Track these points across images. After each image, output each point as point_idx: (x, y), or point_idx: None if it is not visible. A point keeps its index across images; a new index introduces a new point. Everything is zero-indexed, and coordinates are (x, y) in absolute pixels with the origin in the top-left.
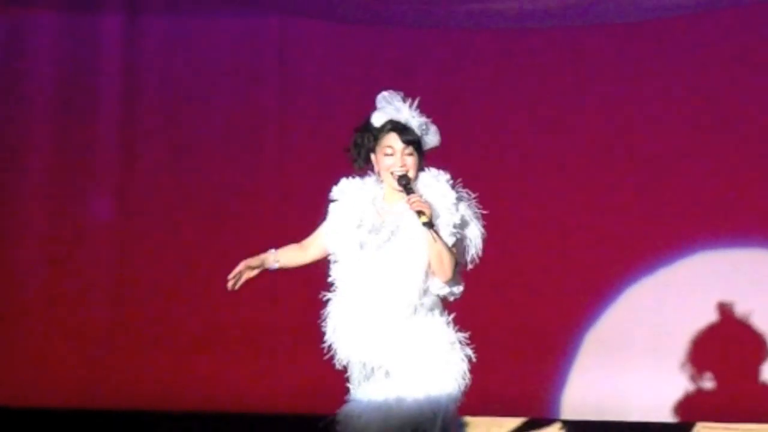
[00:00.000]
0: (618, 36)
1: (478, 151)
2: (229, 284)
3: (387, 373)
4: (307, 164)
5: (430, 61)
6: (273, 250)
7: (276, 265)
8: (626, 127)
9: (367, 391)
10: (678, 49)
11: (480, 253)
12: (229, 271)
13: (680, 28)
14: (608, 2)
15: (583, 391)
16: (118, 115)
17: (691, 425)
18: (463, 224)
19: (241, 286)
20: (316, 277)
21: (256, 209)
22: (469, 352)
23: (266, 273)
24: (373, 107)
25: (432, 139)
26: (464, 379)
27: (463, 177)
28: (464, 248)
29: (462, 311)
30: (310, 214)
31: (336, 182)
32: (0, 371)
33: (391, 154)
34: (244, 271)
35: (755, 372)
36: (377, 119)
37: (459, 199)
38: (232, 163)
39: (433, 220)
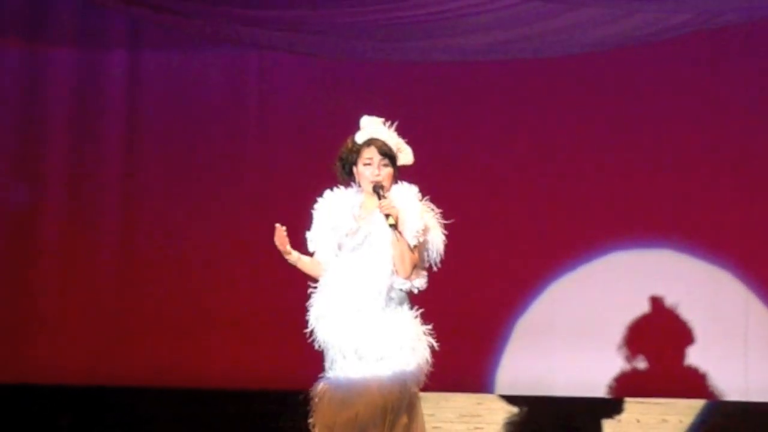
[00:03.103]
0: (552, 68)
1: (426, 165)
2: (279, 229)
3: (360, 356)
4: (284, 178)
5: (388, 90)
6: (299, 253)
7: (293, 262)
8: (553, 146)
9: (343, 370)
10: (603, 79)
11: (442, 256)
12: (219, 265)
13: (608, 60)
14: (544, 38)
15: (515, 370)
16: (122, 134)
17: (608, 400)
18: (425, 231)
19: (235, 277)
20: (297, 271)
21: (240, 213)
22: (432, 341)
23: (256, 268)
24: (341, 131)
25: (405, 157)
26: (426, 364)
27: (417, 183)
28: (427, 252)
29: (417, 302)
30: (287, 219)
31: (310, 192)
32: (18, 352)
33: (370, 164)
34: (285, 238)
35: (663, 354)
36: (360, 137)
37: (423, 209)
38: (220, 175)
39: (400, 224)
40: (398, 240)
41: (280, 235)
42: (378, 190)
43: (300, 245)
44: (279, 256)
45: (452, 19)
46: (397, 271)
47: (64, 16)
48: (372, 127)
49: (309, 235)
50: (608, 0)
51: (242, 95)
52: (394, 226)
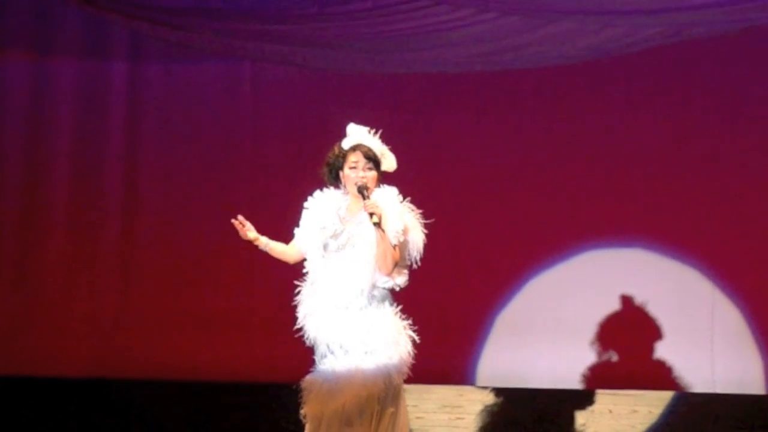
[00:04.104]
0: (530, 78)
1: (411, 168)
2: (237, 220)
3: (346, 351)
4: (275, 182)
5: (373, 99)
6: (267, 239)
7: (264, 248)
8: (530, 152)
9: (331, 364)
10: (578, 88)
11: (422, 254)
12: (214, 265)
13: (583, 71)
14: (522, 50)
15: (494, 364)
16: (123, 140)
17: (582, 391)
18: (405, 231)
19: (229, 277)
20: (287, 271)
21: (235, 215)
22: (413, 335)
23: (253, 268)
24: (329, 137)
25: (389, 163)
26: (408, 357)
27: (401, 185)
28: (408, 251)
29: (400, 299)
30: (278, 219)
31: (300, 194)
32: (23, 346)
33: (355, 167)
34: (245, 229)
35: (634, 348)
36: (346, 143)
37: (403, 210)
38: (215, 178)
39: (383, 223)
40: (382, 238)
41: (240, 227)
42: (363, 191)
43: (288, 241)
44: (268, 256)
45: (435, 32)
46: (379, 268)
47: (69, 30)
48: (358, 134)
49: (297, 231)
50: (581, 14)
51: (236, 104)
52: (378, 225)
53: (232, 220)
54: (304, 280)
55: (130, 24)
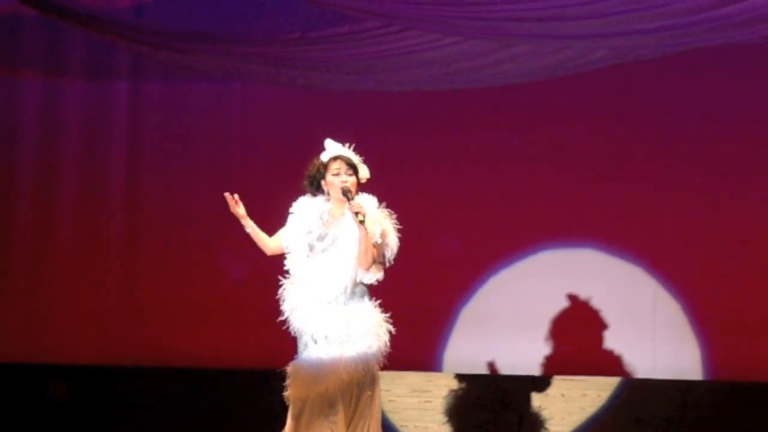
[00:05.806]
0: (492, 95)
1: (386, 175)
2: (229, 196)
3: (329, 341)
4: (263, 189)
5: (353, 115)
6: (254, 223)
7: (247, 230)
8: (492, 162)
9: (315, 352)
10: (536, 103)
11: (395, 255)
12: (209, 263)
13: (540, 89)
14: (484, 70)
15: (460, 352)
16: (125, 151)
17: (538, 378)
18: (383, 234)
19: (224, 275)
20: (279, 267)
21: (227, 217)
22: (390, 327)
23: (242, 264)
24: (311, 149)
25: (363, 172)
26: (386, 347)
27: (377, 191)
28: (384, 251)
29: (375, 293)
30: (266, 222)
31: (285, 200)
32: (36, 336)
33: (337, 174)
34: (236, 206)
35: (585, 338)
36: (326, 155)
37: (381, 216)
38: (208, 186)
39: (366, 222)
40: (365, 236)
41: (232, 201)
42: (347, 193)
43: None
44: (257, 252)
45: (406, 54)
46: (360, 264)
47: (77, 53)
48: (336, 147)
49: (282, 233)
50: (534, 39)
51: (227, 119)
52: (363, 223)
53: (226, 194)
54: (287, 278)
55: (132, 47)
